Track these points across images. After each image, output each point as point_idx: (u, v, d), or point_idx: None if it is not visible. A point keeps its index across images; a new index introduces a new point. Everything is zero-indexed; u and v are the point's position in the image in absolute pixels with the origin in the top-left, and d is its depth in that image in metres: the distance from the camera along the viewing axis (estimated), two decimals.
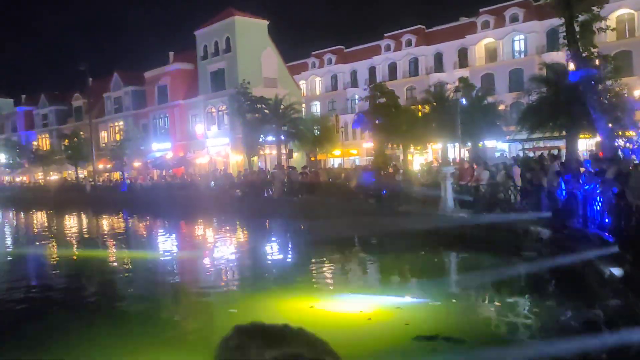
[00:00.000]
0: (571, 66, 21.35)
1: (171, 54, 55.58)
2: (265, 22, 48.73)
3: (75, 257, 20.27)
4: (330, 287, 12.90)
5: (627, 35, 43.15)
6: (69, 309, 11.43)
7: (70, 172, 60.63)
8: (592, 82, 18.98)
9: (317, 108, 64.35)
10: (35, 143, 68.65)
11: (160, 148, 53.18)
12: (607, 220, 11.46)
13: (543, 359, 7.81)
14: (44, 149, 66.66)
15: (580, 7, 19.19)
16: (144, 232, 27.59)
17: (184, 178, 42.29)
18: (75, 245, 23.24)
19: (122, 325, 9.93)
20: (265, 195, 31.04)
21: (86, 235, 27.08)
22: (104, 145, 59.60)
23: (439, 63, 55.60)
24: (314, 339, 0.87)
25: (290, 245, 20.98)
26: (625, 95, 22.56)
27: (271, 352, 0.81)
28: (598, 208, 11.99)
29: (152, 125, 55.14)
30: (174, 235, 25.77)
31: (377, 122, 34.82)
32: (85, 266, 17.83)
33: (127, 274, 15.94)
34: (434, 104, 33.78)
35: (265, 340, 0.83)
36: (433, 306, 10.20)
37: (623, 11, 42.88)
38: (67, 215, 37.73)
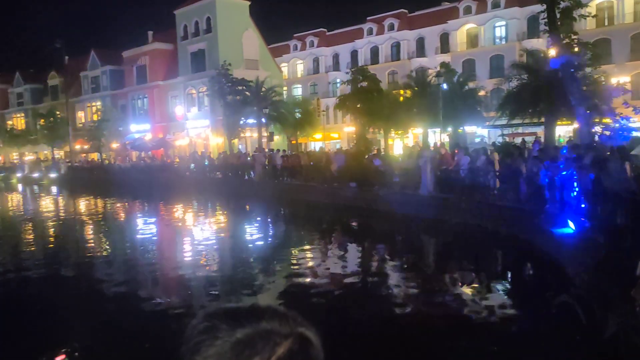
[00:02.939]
0: (552, 53, 21.53)
1: (150, 33, 54.55)
2: (247, 3, 48.08)
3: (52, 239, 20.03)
4: (310, 271, 12.93)
5: (607, 23, 43.63)
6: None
7: (46, 152, 59.56)
8: (572, 69, 19.18)
9: (298, 91, 63.98)
10: (9, 122, 67.12)
11: (139, 129, 52.47)
12: (583, 205, 11.67)
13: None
14: (19, 128, 65.29)
15: None
16: (122, 215, 27.28)
17: (163, 160, 41.88)
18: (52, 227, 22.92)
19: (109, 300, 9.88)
20: (246, 178, 30.94)
21: (62, 216, 26.68)
22: (80, 125, 58.52)
23: (420, 48, 55.62)
24: (285, 313, 0.87)
25: (269, 228, 20.96)
26: (604, 82, 22.87)
27: (242, 330, 0.82)
28: (575, 194, 12.19)
29: (131, 106, 54.29)
30: (153, 218, 25.55)
31: (358, 105, 34.79)
32: (62, 247, 17.64)
33: (106, 257, 15.79)
34: (416, 88, 33.85)
35: (234, 320, 0.83)
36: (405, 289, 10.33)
37: None
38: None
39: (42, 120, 56.04)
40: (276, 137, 42.92)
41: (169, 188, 33.20)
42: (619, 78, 34.37)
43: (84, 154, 54.21)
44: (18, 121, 68.17)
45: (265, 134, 39.50)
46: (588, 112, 19.71)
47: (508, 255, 13.80)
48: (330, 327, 7.42)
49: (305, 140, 50.89)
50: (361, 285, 11.35)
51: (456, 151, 21.14)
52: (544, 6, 20.94)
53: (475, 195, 17.40)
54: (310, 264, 13.56)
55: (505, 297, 10.20)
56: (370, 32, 58.86)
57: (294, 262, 13.97)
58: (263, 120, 38.25)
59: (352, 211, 21.47)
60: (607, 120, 21.35)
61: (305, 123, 43.99)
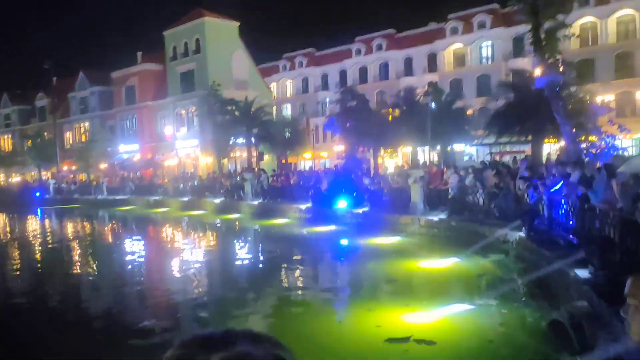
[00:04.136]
0: (537, 72, 21.82)
1: (139, 54, 54.72)
2: (236, 24, 48.44)
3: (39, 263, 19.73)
4: (298, 291, 12.82)
5: (590, 43, 44.44)
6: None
7: (33, 173, 59.08)
8: (557, 88, 19.45)
9: (287, 110, 64.27)
10: None
11: (128, 150, 52.28)
12: (571, 222, 11.72)
13: None
14: (6, 149, 64.81)
15: (546, 14, 19.67)
16: (109, 237, 26.96)
17: (152, 180, 41.69)
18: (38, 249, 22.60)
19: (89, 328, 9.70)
20: (236, 197, 30.80)
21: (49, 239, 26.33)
22: (69, 146, 58.28)
23: (408, 67, 56.21)
24: (261, 336, 0.87)
25: (253, 249, 20.81)
26: (589, 101, 23.17)
27: (217, 354, 0.81)
28: (563, 211, 12.25)
29: (120, 127, 54.17)
30: (139, 239, 25.28)
31: (347, 125, 34.95)
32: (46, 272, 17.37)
33: (91, 279, 15.56)
34: (404, 108, 34.09)
35: (210, 346, 0.83)
36: (404, 309, 10.24)
37: (586, 19, 44.17)
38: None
39: (30, 141, 55.71)
40: (266, 157, 42.97)
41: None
42: (604, 96, 34.93)
43: (72, 175, 53.82)
44: (5, 142, 67.68)
45: (254, 153, 39.51)
46: (574, 130, 19.93)
47: (498, 274, 13.76)
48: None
49: (295, 160, 50.96)
50: (349, 303, 11.26)
51: (445, 169, 21.23)
52: (529, 27, 21.32)
53: (465, 214, 17.45)
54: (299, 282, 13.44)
55: (496, 314, 10.15)
56: (358, 52, 59.47)
57: (285, 284, 13.85)
58: (252, 139, 38.31)
59: (343, 231, 21.38)
60: (593, 138, 21.61)
61: (295, 142, 44.11)
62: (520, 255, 13.63)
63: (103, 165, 51.29)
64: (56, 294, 13.50)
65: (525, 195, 14.71)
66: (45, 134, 55.26)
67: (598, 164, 15.20)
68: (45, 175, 56.73)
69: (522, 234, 13.62)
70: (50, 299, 12.87)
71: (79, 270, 17.22)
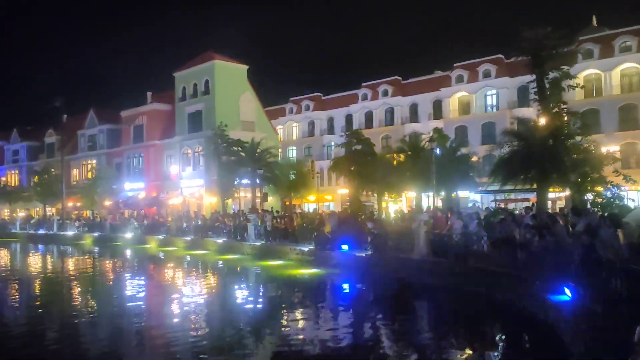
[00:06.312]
0: (542, 121, 22.02)
1: (149, 94, 55.74)
2: (245, 67, 49.44)
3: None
4: (302, 344, 12.56)
5: (595, 94, 45.01)
6: None
7: (38, 209, 59.22)
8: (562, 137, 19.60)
9: (293, 153, 64.81)
10: (3, 178, 67.10)
11: (133, 187, 52.51)
12: (578, 272, 11.54)
13: None
14: (13, 184, 65.19)
15: (550, 65, 19.99)
16: (112, 275, 26.73)
17: (155, 218, 41.60)
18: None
19: None
20: (239, 238, 30.64)
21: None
22: (75, 182, 58.65)
23: (414, 113, 56.92)
24: None
25: (257, 293, 20.55)
26: (593, 151, 23.25)
27: None
28: (570, 261, 12.09)
29: (126, 165, 54.61)
30: (141, 277, 25.03)
31: (352, 168, 35.10)
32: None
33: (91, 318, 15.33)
34: (409, 153, 34.28)
35: None
36: None
37: (590, 71, 44.89)
38: None
39: (37, 177, 56.07)
40: (270, 198, 42.97)
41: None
42: (609, 147, 35.06)
43: (77, 212, 53.88)
44: (12, 178, 68.12)
45: (259, 194, 39.54)
46: (579, 180, 19.93)
47: (504, 322, 13.49)
48: None
49: (299, 202, 50.97)
50: (352, 352, 11.01)
51: (449, 215, 21.14)
52: (534, 76, 21.66)
53: (469, 260, 17.23)
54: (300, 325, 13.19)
55: None
56: (364, 98, 60.35)
57: (283, 326, 13.60)
58: (257, 180, 38.40)
59: (343, 274, 21.14)
60: (599, 188, 21.57)
61: (299, 185, 44.22)
62: (526, 304, 13.39)
63: (107, 203, 51.41)
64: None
65: (532, 244, 14.57)
66: (53, 170, 55.69)
67: (603, 214, 15.12)
68: (50, 211, 56.84)
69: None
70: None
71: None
